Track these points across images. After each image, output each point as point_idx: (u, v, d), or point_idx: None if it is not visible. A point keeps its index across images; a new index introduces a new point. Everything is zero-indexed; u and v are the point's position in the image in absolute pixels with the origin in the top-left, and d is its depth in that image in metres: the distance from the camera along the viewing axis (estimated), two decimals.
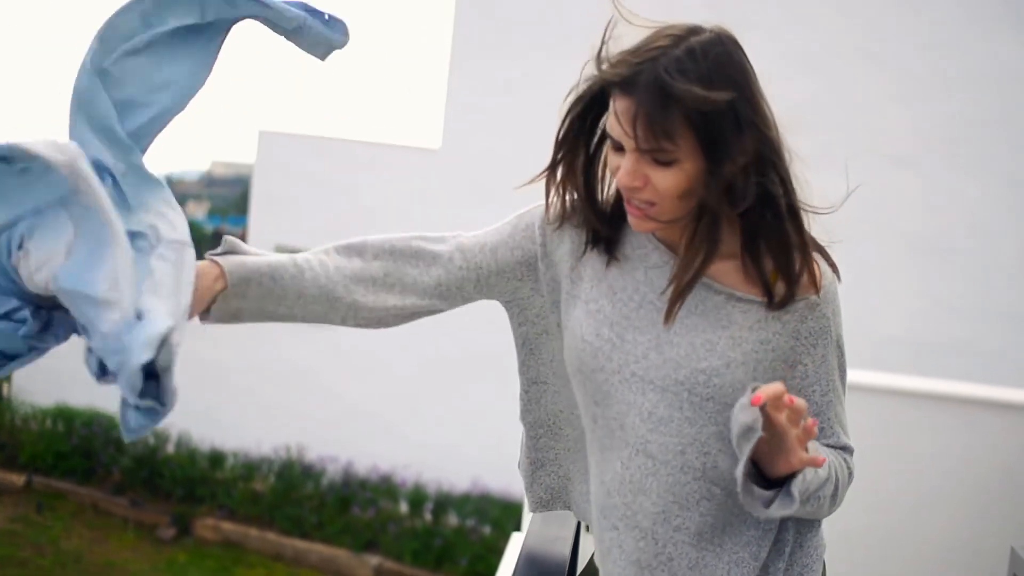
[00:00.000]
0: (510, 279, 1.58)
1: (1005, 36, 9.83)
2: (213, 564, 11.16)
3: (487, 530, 10.93)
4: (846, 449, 1.54)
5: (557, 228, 1.57)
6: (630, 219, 1.42)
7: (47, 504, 12.30)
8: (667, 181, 1.34)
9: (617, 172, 1.38)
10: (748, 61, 1.42)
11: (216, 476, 12.22)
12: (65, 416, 13.04)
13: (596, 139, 1.47)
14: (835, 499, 1.49)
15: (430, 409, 11.94)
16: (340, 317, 1.52)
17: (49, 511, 12.17)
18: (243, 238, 17.77)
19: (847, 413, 1.56)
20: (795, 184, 1.45)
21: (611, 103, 1.36)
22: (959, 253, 9.92)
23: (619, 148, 1.37)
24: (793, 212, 1.43)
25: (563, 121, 1.46)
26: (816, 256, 1.48)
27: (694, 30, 1.39)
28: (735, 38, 1.43)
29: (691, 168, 1.34)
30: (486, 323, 11.49)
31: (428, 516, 11.29)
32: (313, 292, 1.49)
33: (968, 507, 3.62)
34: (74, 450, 12.73)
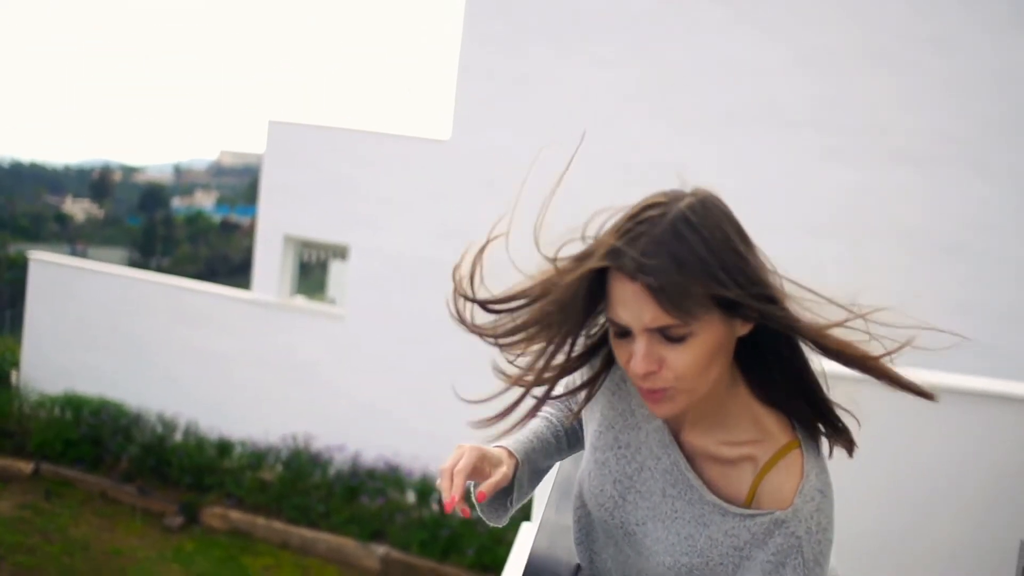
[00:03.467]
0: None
1: (1011, 36, 9.82)
2: (220, 552, 11.19)
3: None
4: None
5: None
6: (649, 407, 1.36)
7: (55, 492, 12.35)
8: (684, 358, 1.28)
9: (628, 360, 1.32)
10: (733, 215, 1.34)
11: (224, 465, 12.26)
12: (74, 404, 13.08)
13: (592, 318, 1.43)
14: None
15: (438, 402, 11.95)
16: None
17: (57, 499, 12.22)
18: (251, 228, 17.92)
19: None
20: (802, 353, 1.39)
21: (610, 290, 1.31)
22: (965, 250, 9.91)
23: (624, 334, 1.32)
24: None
25: (552, 310, 1.39)
26: (800, 461, 1.40)
27: (676, 196, 1.31)
28: (716, 196, 1.34)
29: (709, 338, 1.29)
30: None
31: (435, 506, 11.31)
32: (561, 432, 1.71)
33: (977, 500, 3.61)
34: (82, 438, 12.77)
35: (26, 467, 12.77)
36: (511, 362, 1.49)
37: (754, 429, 1.41)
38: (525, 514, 9.50)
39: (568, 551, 1.71)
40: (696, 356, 1.29)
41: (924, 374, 4.00)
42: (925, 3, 10.10)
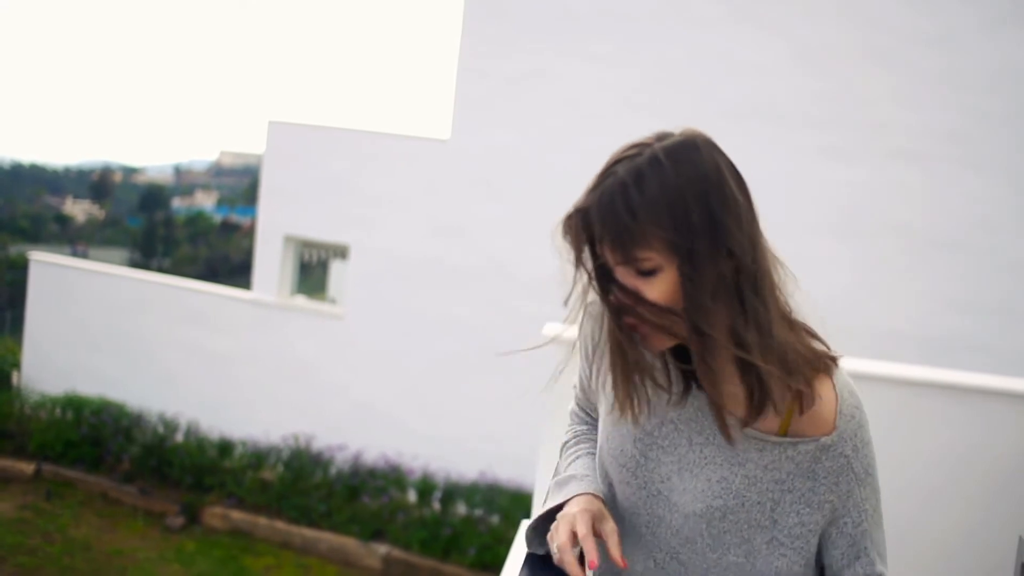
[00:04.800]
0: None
1: (1010, 33, 9.82)
2: (221, 553, 11.19)
3: (495, 520, 10.94)
4: None
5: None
6: (640, 342, 1.39)
7: (56, 492, 12.35)
8: (653, 292, 1.32)
9: None
10: (721, 160, 1.36)
11: (225, 465, 12.25)
12: (74, 405, 13.08)
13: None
14: None
15: (438, 401, 11.97)
16: None
17: (58, 499, 12.22)
18: (252, 228, 17.95)
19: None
20: (782, 299, 1.39)
21: None
22: (963, 248, 9.92)
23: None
24: (767, 332, 1.35)
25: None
26: (831, 385, 1.43)
27: (661, 137, 1.35)
28: (707, 139, 1.37)
29: (675, 274, 1.31)
30: (492, 317, 11.55)
31: (436, 505, 11.31)
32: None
33: (977, 496, 3.61)
34: (83, 439, 12.77)
35: (27, 468, 12.77)
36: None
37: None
38: (526, 511, 9.50)
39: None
40: (664, 290, 1.32)
41: (924, 370, 3.99)
42: (924, 0, 10.10)
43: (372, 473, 11.65)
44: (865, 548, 1.48)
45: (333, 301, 14.81)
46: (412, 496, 11.50)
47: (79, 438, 12.77)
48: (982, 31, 9.86)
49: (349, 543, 11.13)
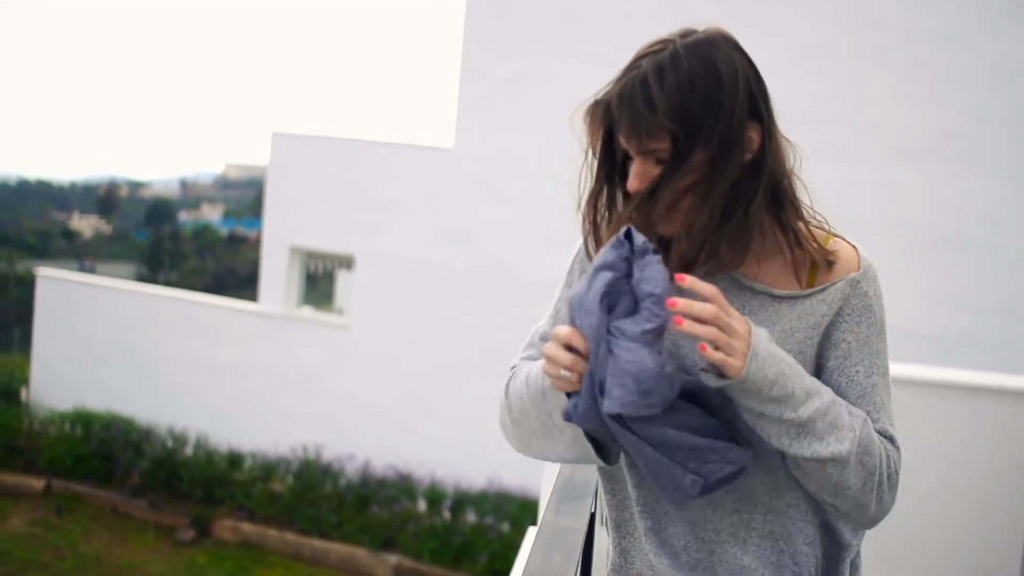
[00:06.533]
0: None
1: (1009, 31, 9.83)
2: (232, 565, 11.20)
3: (505, 527, 10.95)
4: (888, 439, 1.50)
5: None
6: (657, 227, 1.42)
7: (66, 507, 12.38)
8: None
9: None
10: (739, 59, 1.40)
11: (234, 477, 12.27)
12: (83, 420, 13.11)
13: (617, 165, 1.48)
14: (857, 462, 1.42)
15: (445, 408, 11.97)
16: None
17: (68, 514, 12.24)
18: (258, 240, 17.89)
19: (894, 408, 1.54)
20: (789, 194, 1.50)
21: None
22: (963, 246, 9.91)
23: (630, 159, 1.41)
24: (781, 202, 1.47)
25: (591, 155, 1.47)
26: (842, 239, 1.53)
27: (684, 33, 1.41)
28: (727, 37, 1.42)
29: (691, 163, 1.35)
30: (497, 321, 11.55)
31: (446, 514, 11.31)
32: None
33: (979, 495, 3.62)
34: (93, 453, 12.80)
35: (37, 483, 12.81)
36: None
37: (782, 240, 1.47)
38: (534, 518, 9.47)
39: (568, 554, 1.70)
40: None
41: (924, 370, 4.00)
42: (923, 0, 10.12)
43: (382, 483, 11.66)
44: (874, 403, 1.49)
45: (340, 312, 14.83)
46: (422, 505, 11.51)
47: (88, 453, 12.80)
48: (982, 30, 9.86)
49: (360, 553, 11.14)
